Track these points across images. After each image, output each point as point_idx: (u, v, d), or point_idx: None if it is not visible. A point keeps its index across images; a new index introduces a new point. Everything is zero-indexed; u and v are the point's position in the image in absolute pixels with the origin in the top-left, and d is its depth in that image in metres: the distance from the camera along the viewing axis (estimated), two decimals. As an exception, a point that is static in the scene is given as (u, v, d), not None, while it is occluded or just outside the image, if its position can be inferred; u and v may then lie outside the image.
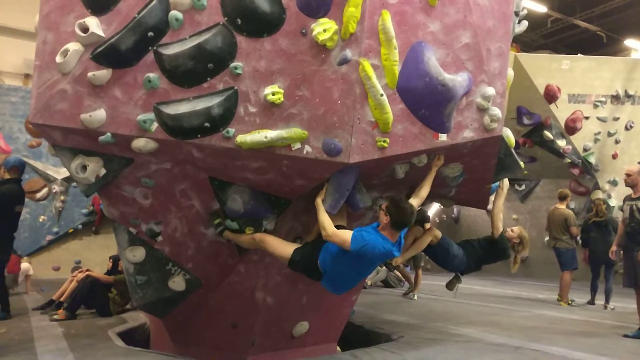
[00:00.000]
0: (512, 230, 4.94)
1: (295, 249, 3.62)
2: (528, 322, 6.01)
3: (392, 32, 3.14)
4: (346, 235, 3.35)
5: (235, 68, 3.17)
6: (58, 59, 3.24)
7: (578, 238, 8.04)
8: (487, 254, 4.60)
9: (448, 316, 6.37)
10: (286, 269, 4.08)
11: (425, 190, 3.74)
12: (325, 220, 3.36)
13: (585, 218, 8.57)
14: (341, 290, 3.70)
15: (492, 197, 5.03)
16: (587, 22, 17.79)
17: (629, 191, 11.91)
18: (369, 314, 6.30)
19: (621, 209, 5.89)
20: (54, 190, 10.11)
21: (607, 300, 7.46)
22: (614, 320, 6.29)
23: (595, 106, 11.13)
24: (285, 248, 3.65)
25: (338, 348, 5.08)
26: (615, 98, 11.16)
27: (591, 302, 7.86)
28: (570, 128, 11.07)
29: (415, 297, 8.11)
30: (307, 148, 3.20)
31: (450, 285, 4.79)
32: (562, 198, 8.16)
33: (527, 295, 8.90)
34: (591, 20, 17.80)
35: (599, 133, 11.22)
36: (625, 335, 5.16)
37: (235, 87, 3.20)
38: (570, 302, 7.73)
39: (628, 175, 5.57)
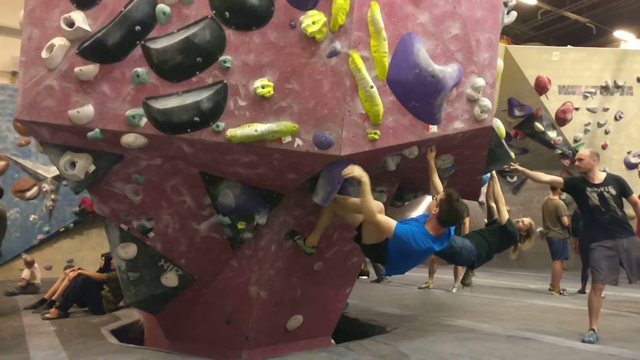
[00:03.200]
0: (522, 222, 4.98)
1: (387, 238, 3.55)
2: (520, 311, 6.06)
3: (382, 23, 3.13)
4: (390, 223, 3.39)
5: (224, 62, 3.15)
6: (44, 54, 3.20)
7: (569, 229, 8.11)
8: (499, 241, 4.58)
9: (442, 307, 6.40)
10: (279, 263, 4.09)
11: (436, 183, 3.78)
12: (372, 203, 3.35)
13: (576, 208, 8.64)
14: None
15: (483, 189, 5.06)
16: (576, 13, 17.89)
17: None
18: (363, 306, 6.32)
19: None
20: (44, 189, 10.01)
21: (598, 289, 7.53)
22: (604, 309, 6.33)
23: (585, 97, 11.21)
24: (385, 234, 3.49)
25: (332, 341, 5.10)
26: (605, 89, 11.25)
27: (582, 290, 7.93)
28: (561, 119, 11.15)
29: (454, 290, 7.87)
30: (298, 141, 3.19)
31: (466, 280, 4.80)
32: (554, 188, 8.22)
33: (520, 285, 8.98)
34: (581, 12, 17.89)
35: (589, 124, 11.31)
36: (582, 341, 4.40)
37: (225, 81, 3.18)
38: (561, 291, 7.80)
39: (580, 159, 4.69)
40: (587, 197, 4.66)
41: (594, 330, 4.47)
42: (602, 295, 7.32)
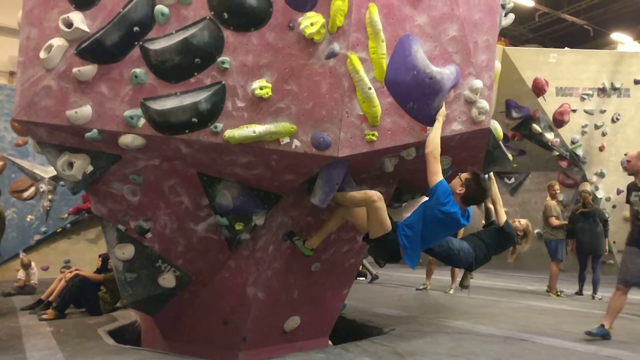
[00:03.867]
0: (519, 222, 4.96)
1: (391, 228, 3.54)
2: (517, 313, 6.08)
3: (380, 25, 3.14)
4: (439, 176, 3.38)
5: (223, 62, 3.16)
6: (42, 54, 3.20)
7: (565, 230, 8.09)
8: (497, 243, 4.57)
9: (439, 309, 6.41)
10: (277, 263, 4.09)
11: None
12: (437, 165, 3.36)
13: (572, 209, 8.67)
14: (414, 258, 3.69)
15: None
16: (574, 16, 17.94)
17: (616, 183, 11.92)
18: (361, 307, 6.33)
19: (628, 201, 4.94)
20: (41, 190, 9.98)
21: (594, 291, 7.56)
22: (601, 310, 6.35)
23: (583, 99, 11.25)
24: (388, 223, 3.51)
25: (330, 342, 5.10)
26: (602, 91, 11.29)
27: (579, 292, 7.96)
28: (558, 121, 11.18)
29: (451, 291, 7.94)
30: (296, 142, 3.19)
31: (464, 283, 4.81)
32: (548, 189, 8.25)
33: (517, 287, 9.00)
34: (578, 14, 17.95)
35: (586, 126, 11.34)
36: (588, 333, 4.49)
37: (223, 82, 3.18)
38: (559, 292, 7.82)
39: (628, 161, 4.61)
40: (631, 203, 4.50)
41: (603, 325, 4.43)
42: (600, 297, 7.40)
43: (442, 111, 3.45)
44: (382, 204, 3.45)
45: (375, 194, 3.44)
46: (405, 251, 3.56)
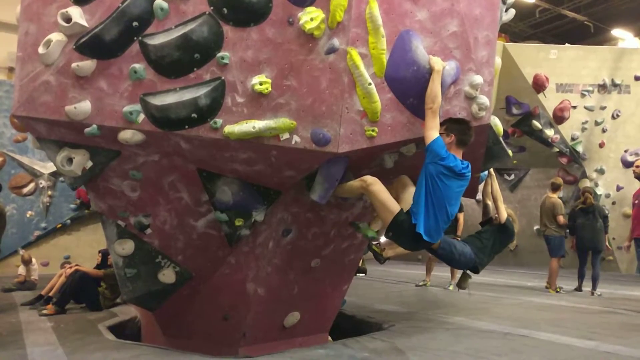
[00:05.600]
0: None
1: (400, 208, 3.46)
2: (517, 309, 6.09)
3: (380, 20, 3.12)
4: (435, 132, 3.31)
5: (222, 58, 3.14)
6: (41, 50, 3.18)
7: (566, 227, 8.12)
8: (498, 242, 4.58)
9: (439, 305, 6.43)
10: (277, 259, 4.09)
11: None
12: (434, 120, 3.29)
13: (573, 206, 8.68)
14: (439, 234, 3.62)
15: (480, 186, 5.06)
16: (574, 12, 17.90)
17: (616, 180, 11.92)
18: (360, 303, 6.34)
19: None
20: (41, 185, 9.99)
21: (594, 287, 7.58)
22: (601, 306, 6.39)
23: (583, 95, 11.24)
24: (393, 204, 3.43)
25: (329, 338, 5.11)
26: (602, 87, 11.28)
27: (578, 288, 7.98)
28: (558, 117, 11.17)
29: (451, 287, 7.98)
30: (296, 138, 3.19)
31: (462, 284, 4.82)
32: (555, 188, 8.23)
33: (517, 283, 9.02)
34: (579, 10, 17.91)
35: (586, 122, 11.34)
36: None
37: (222, 78, 3.17)
38: (558, 289, 7.83)
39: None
40: None
41: None
42: (599, 293, 7.42)
43: (438, 60, 3.32)
44: (379, 186, 3.38)
45: (369, 178, 3.38)
46: (418, 226, 3.40)
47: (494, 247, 4.54)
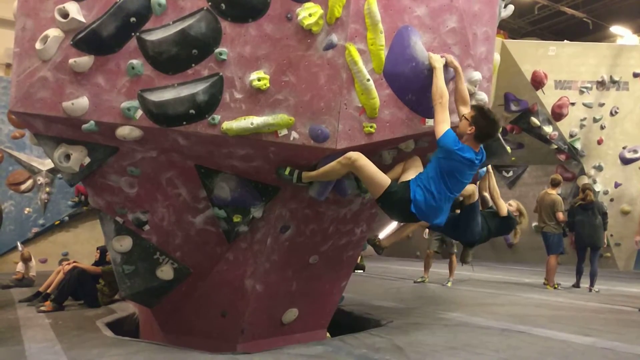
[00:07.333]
0: (510, 205, 5.18)
1: (391, 181, 3.39)
2: (515, 305, 6.10)
3: (378, 16, 3.12)
4: (445, 125, 3.25)
5: (220, 54, 3.14)
6: (38, 45, 3.17)
7: (565, 224, 8.12)
8: (498, 226, 4.75)
9: (437, 301, 6.43)
10: (275, 256, 4.09)
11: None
12: (443, 113, 3.24)
13: (571, 202, 8.69)
14: (435, 216, 3.50)
15: (478, 183, 5.08)
16: (573, 8, 17.87)
17: (614, 176, 11.94)
18: (359, 300, 6.34)
19: None
20: (39, 182, 9.97)
21: (592, 283, 7.59)
22: (598, 303, 6.41)
23: (581, 92, 11.24)
24: (382, 176, 3.34)
25: (328, 334, 5.12)
26: (601, 84, 11.27)
27: (576, 285, 7.99)
28: (557, 114, 11.17)
29: (449, 284, 8.00)
30: (294, 134, 3.18)
31: (465, 257, 4.88)
32: (555, 184, 8.23)
33: (515, 280, 9.03)
34: (577, 7, 17.87)
35: (585, 119, 11.34)
36: None
37: (221, 73, 3.17)
38: (556, 285, 7.85)
39: None
40: None
41: None
42: (597, 290, 7.44)
43: (437, 57, 3.30)
44: (364, 161, 3.24)
45: (353, 154, 3.22)
46: (418, 204, 3.32)
47: (493, 229, 4.74)
